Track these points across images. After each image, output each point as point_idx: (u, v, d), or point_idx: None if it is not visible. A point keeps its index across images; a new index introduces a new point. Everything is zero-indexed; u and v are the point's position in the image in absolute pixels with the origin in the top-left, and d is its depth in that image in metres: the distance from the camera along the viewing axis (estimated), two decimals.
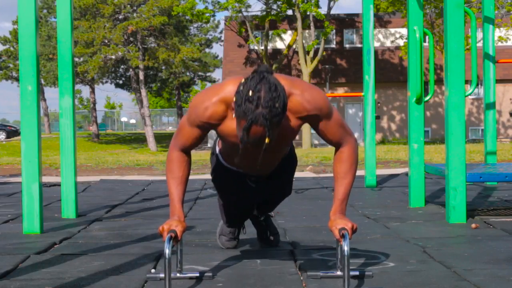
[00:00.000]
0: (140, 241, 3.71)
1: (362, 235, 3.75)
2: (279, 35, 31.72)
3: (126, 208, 5.35)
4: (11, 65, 41.30)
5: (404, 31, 32.28)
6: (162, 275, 2.65)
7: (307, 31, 31.99)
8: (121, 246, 3.56)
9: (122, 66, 36.99)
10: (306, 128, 27.70)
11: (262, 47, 32.36)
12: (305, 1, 28.78)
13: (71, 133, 4.75)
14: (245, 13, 30.90)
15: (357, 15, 34.50)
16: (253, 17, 31.41)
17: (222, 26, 43.85)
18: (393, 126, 33.63)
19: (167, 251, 2.42)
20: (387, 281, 2.61)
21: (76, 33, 29.35)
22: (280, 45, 33.75)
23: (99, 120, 48.58)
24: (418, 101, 5.03)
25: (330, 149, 20.48)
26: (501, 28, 27.80)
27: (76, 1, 28.58)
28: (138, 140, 37.66)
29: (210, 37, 42.08)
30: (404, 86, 29.17)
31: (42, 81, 37.61)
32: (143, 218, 4.73)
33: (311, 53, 29.75)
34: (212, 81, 46.65)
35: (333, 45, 34.14)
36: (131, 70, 31.96)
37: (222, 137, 2.67)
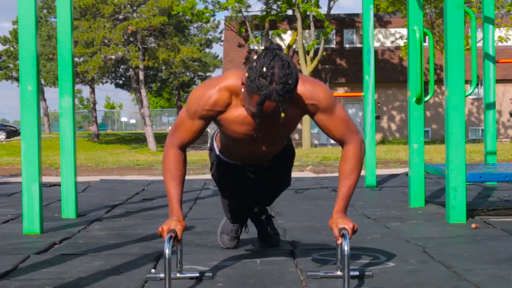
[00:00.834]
0: (140, 241, 3.71)
1: (362, 235, 3.74)
2: (279, 35, 31.72)
3: (126, 208, 5.35)
4: (11, 65, 41.31)
5: (404, 31, 32.29)
6: (162, 275, 2.65)
7: (307, 31, 32.00)
8: (121, 246, 3.56)
9: (122, 66, 37.00)
10: (306, 128, 27.71)
11: (262, 47, 32.33)
12: (305, 1, 28.79)
13: (71, 133, 4.75)
14: (245, 13, 30.91)
15: (357, 15, 34.50)
16: (253, 17, 31.41)
17: (222, 26, 43.86)
18: (393, 126, 33.63)
19: (167, 251, 2.42)
20: (387, 281, 2.61)
21: (76, 33, 29.35)
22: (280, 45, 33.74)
23: (99, 120, 48.59)
24: (418, 101, 5.03)
25: (330, 149, 20.49)
26: (501, 28, 27.80)
27: (76, 1, 28.58)
28: (138, 140, 37.67)
29: (210, 37, 42.11)
30: (404, 86, 29.17)
31: (42, 81, 37.62)
32: (143, 218, 4.73)
33: (311, 53, 29.76)
34: None
35: (333, 45, 34.15)
36: (131, 70, 31.96)
37: (224, 126, 2.63)
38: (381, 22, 33.98)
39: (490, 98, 6.58)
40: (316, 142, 30.32)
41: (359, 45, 33.57)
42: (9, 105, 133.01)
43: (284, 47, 32.57)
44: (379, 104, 32.80)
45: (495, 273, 2.72)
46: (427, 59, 27.32)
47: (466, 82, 8.02)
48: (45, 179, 8.47)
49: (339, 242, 2.47)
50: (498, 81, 23.79)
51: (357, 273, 2.68)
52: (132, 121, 58.20)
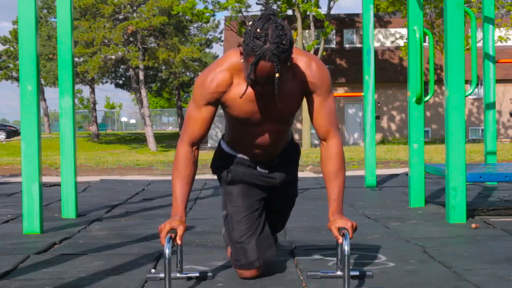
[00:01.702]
0: (140, 241, 3.71)
1: (362, 235, 3.74)
2: None
3: (126, 208, 5.35)
4: (11, 65, 41.31)
5: (404, 31, 32.29)
6: (162, 275, 2.65)
7: (307, 31, 32.01)
8: (121, 246, 3.56)
9: (122, 66, 36.99)
10: (306, 128, 27.72)
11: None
12: (305, 1, 28.79)
13: (71, 133, 4.75)
14: (245, 13, 30.91)
15: (357, 15, 34.51)
16: (253, 17, 31.39)
17: (222, 26, 43.90)
18: (393, 126, 33.64)
19: (167, 251, 2.42)
20: (387, 281, 2.61)
21: (76, 33, 29.35)
22: None
23: (99, 120, 48.60)
24: (418, 101, 5.03)
25: None
26: (501, 28, 27.80)
27: (76, 1, 28.58)
28: (138, 140, 37.66)
29: (210, 37, 42.11)
30: (404, 86, 29.17)
31: (42, 81, 37.62)
32: (143, 218, 4.73)
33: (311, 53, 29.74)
34: None
35: (333, 45, 34.15)
36: (131, 70, 31.96)
37: (229, 107, 2.60)
38: (381, 22, 33.98)
39: (490, 98, 6.58)
40: (316, 142, 30.32)
41: (359, 45, 33.58)
42: (9, 105, 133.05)
43: None
44: (379, 104, 32.80)
45: (495, 273, 2.72)
46: (427, 59, 27.32)
47: (466, 82, 8.03)
48: (45, 179, 8.47)
49: (340, 241, 2.47)
50: (498, 81, 23.79)
51: (357, 273, 2.68)
52: (132, 121, 58.20)
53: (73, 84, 4.81)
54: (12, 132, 37.19)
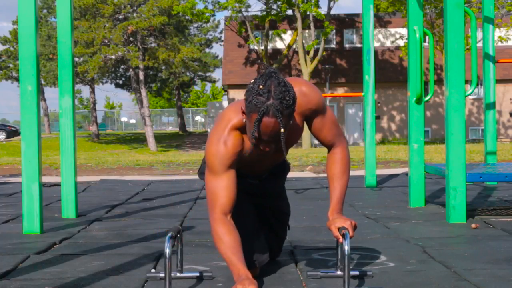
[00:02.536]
0: (140, 241, 3.71)
1: (362, 235, 3.75)
2: (279, 35, 31.73)
3: (126, 208, 5.35)
4: (11, 65, 41.32)
5: (404, 31, 32.29)
6: (162, 275, 2.65)
7: (307, 31, 32.00)
8: (121, 246, 3.56)
9: (122, 66, 37.00)
10: (306, 128, 27.69)
11: (262, 47, 32.36)
12: (305, 1, 28.79)
13: (71, 133, 4.75)
14: (245, 13, 30.91)
15: (357, 15, 34.50)
16: (253, 17, 31.41)
17: (222, 26, 43.91)
18: (393, 126, 33.63)
19: (167, 251, 2.42)
20: (387, 281, 2.61)
21: (76, 33, 29.34)
22: (280, 45, 33.76)
23: (99, 120, 48.58)
24: (418, 101, 5.03)
25: None
26: (501, 28, 27.80)
27: (76, 1, 28.57)
28: (138, 140, 37.66)
29: (210, 37, 42.13)
30: (404, 86, 29.17)
31: (42, 81, 37.62)
32: (143, 218, 4.73)
33: (311, 53, 29.76)
34: (212, 81, 46.68)
35: (333, 45, 34.15)
36: (131, 70, 31.96)
37: (240, 161, 2.56)
38: (381, 22, 33.97)
39: (490, 98, 6.58)
40: (316, 142, 30.31)
41: (359, 45, 33.57)
42: (9, 105, 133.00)
43: (284, 47, 32.62)
44: (379, 104, 32.80)
45: (495, 273, 2.72)
46: (427, 59, 27.32)
47: (466, 82, 8.03)
48: (45, 179, 8.47)
49: (340, 241, 2.47)
50: (498, 81, 23.78)
51: (357, 273, 2.68)
52: (132, 121, 58.19)
53: (73, 84, 4.81)
54: (12, 132, 37.19)
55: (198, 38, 40.76)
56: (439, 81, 30.40)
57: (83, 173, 10.36)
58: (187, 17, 33.42)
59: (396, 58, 33.52)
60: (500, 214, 4.51)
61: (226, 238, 2.44)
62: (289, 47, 31.54)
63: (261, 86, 2.32)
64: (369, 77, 6.52)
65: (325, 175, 8.91)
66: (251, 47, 33.19)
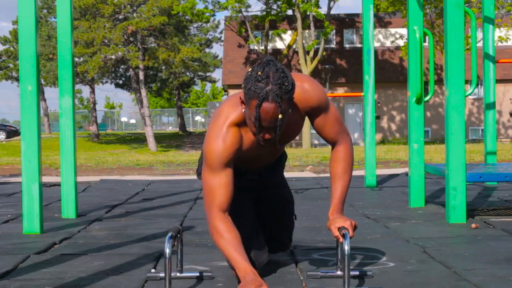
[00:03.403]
0: (140, 241, 3.71)
1: (362, 235, 3.75)
2: (279, 35, 31.73)
3: (126, 208, 5.35)
4: (11, 65, 41.31)
5: (404, 31, 32.29)
6: (162, 275, 2.65)
7: (307, 31, 32.00)
8: (121, 246, 3.56)
9: (122, 66, 37.00)
10: (306, 128, 27.70)
11: (262, 47, 32.37)
12: (305, 1, 28.79)
13: (71, 133, 4.75)
14: (245, 13, 30.91)
15: (357, 15, 34.51)
16: (253, 17, 31.42)
17: (222, 26, 43.92)
18: (393, 126, 33.64)
19: (167, 251, 2.42)
20: (387, 281, 2.61)
21: (76, 33, 29.34)
22: (280, 45, 33.77)
23: (99, 120, 48.58)
24: (418, 101, 5.03)
25: (330, 149, 20.48)
26: (501, 28, 27.80)
27: (76, 1, 28.57)
28: (138, 140, 37.66)
29: (210, 37, 42.11)
30: (404, 86, 29.17)
31: (42, 81, 37.62)
32: (143, 218, 4.73)
33: (311, 53, 29.76)
34: (212, 81, 46.67)
35: (333, 45, 34.15)
36: (131, 70, 31.96)
37: (243, 154, 2.56)
38: (381, 22, 33.98)
39: (490, 98, 6.58)
40: (316, 142, 30.31)
41: (359, 45, 33.57)
42: (9, 105, 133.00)
43: (284, 47, 32.61)
44: (379, 104, 32.80)
45: (495, 273, 2.72)
46: (427, 59, 27.32)
47: (466, 82, 8.02)
48: (45, 179, 8.47)
49: (341, 240, 2.47)
50: (498, 81, 23.78)
51: (357, 272, 2.68)
52: (132, 121, 58.19)
53: (73, 84, 4.81)
54: (12, 132, 37.19)
55: (198, 38, 40.75)
56: (439, 81, 30.40)
57: (83, 173, 10.36)
58: (187, 17, 33.41)
59: (396, 58, 33.52)
60: (500, 214, 4.51)
61: (227, 236, 2.44)
62: (289, 47, 31.54)
63: (259, 73, 2.32)
64: (369, 77, 6.52)
65: (325, 175, 8.91)
66: (251, 47, 33.19)
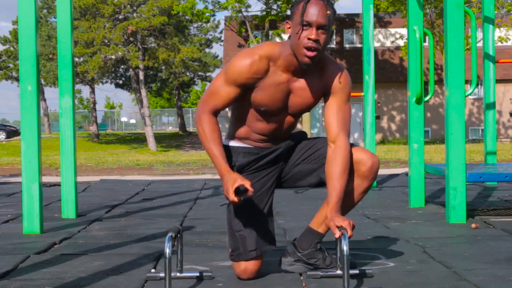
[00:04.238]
0: (140, 241, 3.71)
1: (362, 235, 3.75)
2: (279, 35, 31.72)
3: (126, 208, 5.35)
4: (11, 65, 41.31)
5: (404, 31, 32.29)
6: (162, 275, 2.65)
7: None
8: (121, 246, 3.56)
9: (122, 66, 36.98)
10: (306, 128, 27.71)
11: None
12: None
13: (71, 133, 4.75)
14: (245, 13, 30.90)
15: (357, 15, 34.51)
16: (253, 17, 31.42)
17: (222, 26, 43.91)
18: (393, 126, 33.64)
19: (167, 251, 2.42)
20: (387, 281, 2.61)
21: (76, 33, 29.35)
22: None
23: (99, 120, 48.57)
24: (418, 101, 5.03)
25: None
26: (501, 28, 27.80)
27: (76, 1, 28.58)
28: (138, 140, 37.65)
29: (210, 37, 42.11)
30: (404, 86, 29.17)
31: (42, 81, 37.61)
32: (143, 218, 4.74)
33: None
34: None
35: (333, 45, 34.15)
36: (131, 70, 31.94)
37: (256, 93, 2.63)
38: (381, 22, 33.97)
39: (490, 98, 6.58)
40: None
41: (359, 45, 33.57)
42: (9, 105, 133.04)
43: None
44: (379, 104, 32.80)
45: (495, 273, 2.72)
46: (427, 59, 27.32)
47: (466, 82, 8.01)
48: (45, 179, 8.47)
49: (337, 236, 2.44)
50: (498, 81, 23.78)
51: (357, 271, 2.68)
52: (132, 121, 58.19)
53: (73, 84, 4.81)
54: (12, 132, 37.18)
55: (198, 38, 40.75)
56: (439, 81, 30.40)
57: (83, 173, 10.36)
58: (187, 17, 33.39)
59: (396, 58, 33.52)
60: (500, 214, 4.51)
61: (211, 135, 2.61)
62: None
63: None
64: (369, 77, 6.52)
65: None
66: (251, 47, 33.16)
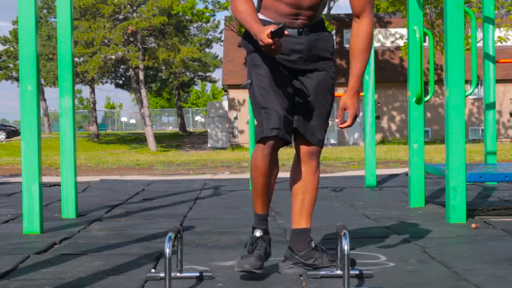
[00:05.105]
0: (140, 241, 3.71)
1: (362, 235, 3.75)
2: None
3: (126, 208, 5.35)
4: (11, 65, 41.32)
5: (404, 31, 32.28)
6: (162, 275, 2.65)
7: None
8: (121, 246, 3.56)
9: (122, 66, 36.99)
10: None
11: None
12: None
13: (71, 133, 4.75)
14: None
15: None
16: None
17: (222, 26, 43.85)
18: (393, 126, 33.63)
19: (167, 251, 2.42)
20: (387, 281, 2.61)
21: (76, 33, 29.35)
22: None
23: (99, 120, 48.57)
24: (418, 101, 5.03)
25: (330, 149, 20.47)
26: (501, 28, 27.80)
27: (76, 1, 28.58)
28: (138, 140, 37.66)
29: (210, 37, 42.11)
30: (404, 86, 29.17)
31: (42, 81, 37.63)
32: (143, 218, 4.74)
33: None
34: (212, 81, 46.68)
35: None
36: (131, 70, 31.96)
37: None
38: (381, 22, 33.97)
39: (490, 98, 6.58)
40: None
41: None
42: (9, 105, 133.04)
43: None
44: (379, 104, 32.80)
45: (495, 273, 2.72)
46: (427, 59, 27.32)
47: (466, 82, 8.02)
48: (45, 179, 8.47)
49: (337, 120, 2.68)
50: (498, 81, 23.76)
51: (357, 272, 2.68)
52: (132, 121, 58.19)
53: (73, 84, 4.81)
54: (12, 132, 37.19)
55: (198, 38, 40.74)
56: (439, 81, 30.39)
57: (83, 173, 10.36)
58: (187, 17, 33.40)
59: (396, 58, 33.52)
60: (500, 214, 4.51)
61: (246, 8, 2.65)
62: None
63: None
64: (369, 77, 6.52)
65: (325, 175, 8.91)
66: None
